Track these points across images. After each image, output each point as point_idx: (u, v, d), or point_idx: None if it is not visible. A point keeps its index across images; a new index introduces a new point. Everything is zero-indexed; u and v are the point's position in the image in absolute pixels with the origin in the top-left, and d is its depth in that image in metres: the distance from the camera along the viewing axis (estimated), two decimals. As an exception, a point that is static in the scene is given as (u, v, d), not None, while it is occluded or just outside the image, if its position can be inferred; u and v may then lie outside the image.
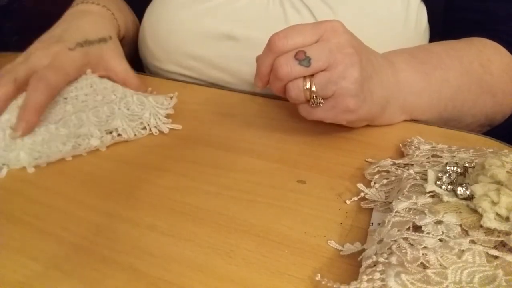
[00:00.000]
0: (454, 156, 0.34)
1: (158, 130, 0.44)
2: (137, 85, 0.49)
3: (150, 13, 0.57)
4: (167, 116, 0.45)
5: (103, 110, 0.43)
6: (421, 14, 0.49)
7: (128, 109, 0.44)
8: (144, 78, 0.55)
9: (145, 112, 0.44)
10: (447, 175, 0.30)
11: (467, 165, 0.31)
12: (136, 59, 0.61)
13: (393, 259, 0.25)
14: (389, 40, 0.48)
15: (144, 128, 0.43)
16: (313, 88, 0.36)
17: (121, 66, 0.49)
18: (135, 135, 0.43)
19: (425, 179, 0.31)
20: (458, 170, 0.31)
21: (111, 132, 0.42)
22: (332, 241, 0.30)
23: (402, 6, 0.48)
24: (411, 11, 0.48)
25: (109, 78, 0.48)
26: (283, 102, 0.48)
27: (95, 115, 0.43)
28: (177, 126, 0.44)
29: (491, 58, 0.48)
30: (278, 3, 0.50)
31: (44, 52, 0.45)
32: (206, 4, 0.52)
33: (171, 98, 0.47)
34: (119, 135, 0.42)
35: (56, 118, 0.42)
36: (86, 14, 0.52)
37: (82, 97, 0.44)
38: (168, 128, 0.44)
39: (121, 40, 0.57)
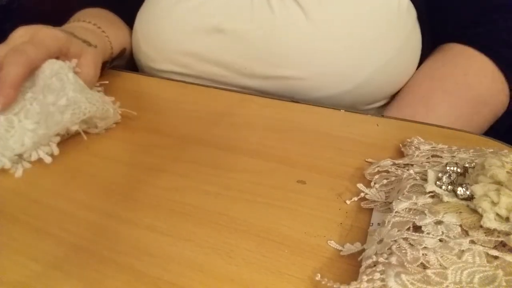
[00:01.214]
0: (454, 156, 0.34)
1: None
2: None
3: (141, 16, 0.58)
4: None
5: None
6: None
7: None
8: (144, 78, 0.56)
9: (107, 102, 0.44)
10: (447, 175, 0.30)
11: (467, 165, 0.31)
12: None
13: (393, 259, 0.25)
14: (371, 18, 0.49)
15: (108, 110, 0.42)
16: None
17: (90, 73, 0.46)
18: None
19: (425, 179, 0.31)
20: (458, 170, 0.31)
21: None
22: (332, 241, 0.30)
23: None
24: None
25: None
26: (283, 102, 0.48)
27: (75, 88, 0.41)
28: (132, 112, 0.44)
29: (466, 71, 0.50)
30: None
31: (24, 31, 0.44)
32: (195, 1, 0.53)
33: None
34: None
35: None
36: (78, 26, 0.53)
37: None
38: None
39: (119, 55, 0.57)
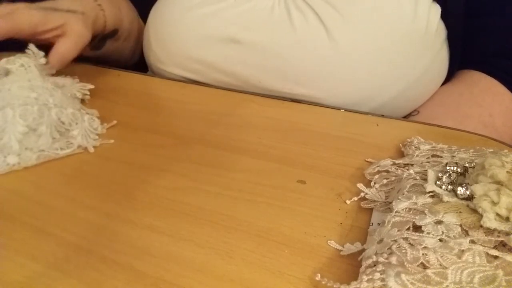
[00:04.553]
0: (454, 156, 0.34)
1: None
2: (53, 65, 0.46)
3: (154, 15, 0.57)
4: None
5: (32, 110, 0.40)
6: (433, 13, 0.48)
7: (59, 119, 0.41)
8: (145, 78, 0.56)
9: (75, 129, 0.41)
10: (447, 175, 0.30)
11: (467, 165, 0.31)
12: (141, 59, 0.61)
13: (393, 259, 0.25)
14: (399, 40, 0.47)
15: (71, 144, 0.41)
16: None
17: (68, 45, 0.46)
18: (58, 148, 0.40)
19: (425, 179, 0.31)
20: (458, 170, 0.31)
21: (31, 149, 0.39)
22: (332, 241, 0.30)
23: (409, 4, 0.47)
24: (421, 9, 0.47)
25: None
26: (283, 102, 0.48)
27: (22, 116, 0.39)
28: (109, 141, 0.42)
29: (492, 111, 0.49)
30: (283, 6, 0.49)
31: (2, 8, 0.44)
32: (211, 7, 0.51)
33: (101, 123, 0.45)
34: (41, 150, 0.39)
35: None
36: None
37: (15, 89, 0.40)
38: (93, 147, 0.41)
39: (111, 33, 0.57)
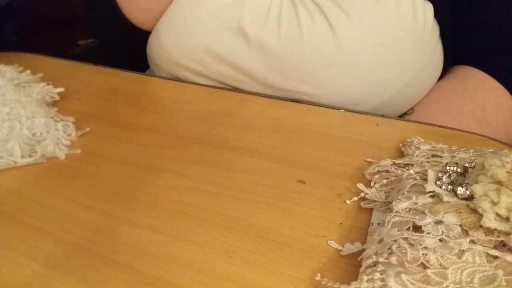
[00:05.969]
0: (454, 156, 0.34)
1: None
2: None
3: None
4: None
5: (3, 127, 0.40)
6: (427, 10, 0.49)
7: (30, 131, 0.41)
8: (145, 79, 0.56)
9: (47, 138, 0.41)
10: (447, 175, 0.30)
11: (467, 165, 0.31)
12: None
13: (393, 259, 0.25)
14: (400, 38, 0.48)
15: (36, 152, 0.40)
16: None
17: None
18: (22, 156, 0.40)
19: (425, 179, 0.31)
20: (458, 170, 0.31)
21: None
22: (332, 241, 0.30)
23: (408, 3, 0.48)
24: (418, 7, 0.48)
25: None
26: (283, 102, 0.48)
27: None
28: (76, 151, 0.41)
29: (484, 106, 0.50)
30: (291, 3, 0.50)
31: None
32: (221, 0, 0.51)
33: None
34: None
35: None
36: None
37: None
38: (64, 154, 0.41)
39: None
